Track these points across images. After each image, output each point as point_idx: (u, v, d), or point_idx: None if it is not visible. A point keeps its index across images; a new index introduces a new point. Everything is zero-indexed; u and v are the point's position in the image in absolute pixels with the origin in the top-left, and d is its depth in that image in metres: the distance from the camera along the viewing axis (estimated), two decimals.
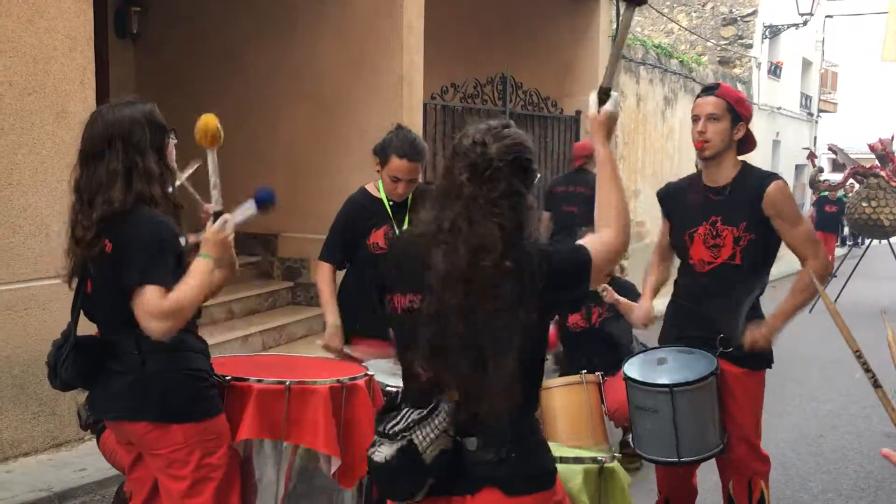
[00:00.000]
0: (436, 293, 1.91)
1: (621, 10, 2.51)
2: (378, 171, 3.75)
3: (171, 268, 2.40)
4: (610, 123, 2.21)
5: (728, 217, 3.24)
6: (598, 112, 2.22)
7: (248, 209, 2.58)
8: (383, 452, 1.94)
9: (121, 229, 2.40)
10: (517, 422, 1.99)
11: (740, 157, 3.37)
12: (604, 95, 2.23)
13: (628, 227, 2.10)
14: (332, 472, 2.82)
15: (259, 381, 2.76)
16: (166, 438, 2.47)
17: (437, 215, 1.97)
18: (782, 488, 4.71)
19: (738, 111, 3.28)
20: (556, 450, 2.72)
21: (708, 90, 3.35)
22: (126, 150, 2.43)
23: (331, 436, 2.75)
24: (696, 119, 3.31)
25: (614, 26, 11.38)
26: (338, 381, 2.85)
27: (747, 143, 3.33)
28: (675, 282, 3.49)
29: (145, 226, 2.40)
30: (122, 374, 2.50)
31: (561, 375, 4.65)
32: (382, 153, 3.70)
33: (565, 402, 3.94)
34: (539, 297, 1.93)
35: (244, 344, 6.81)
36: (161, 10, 8.68)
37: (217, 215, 2.54)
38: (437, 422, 1.92)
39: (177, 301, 2.35)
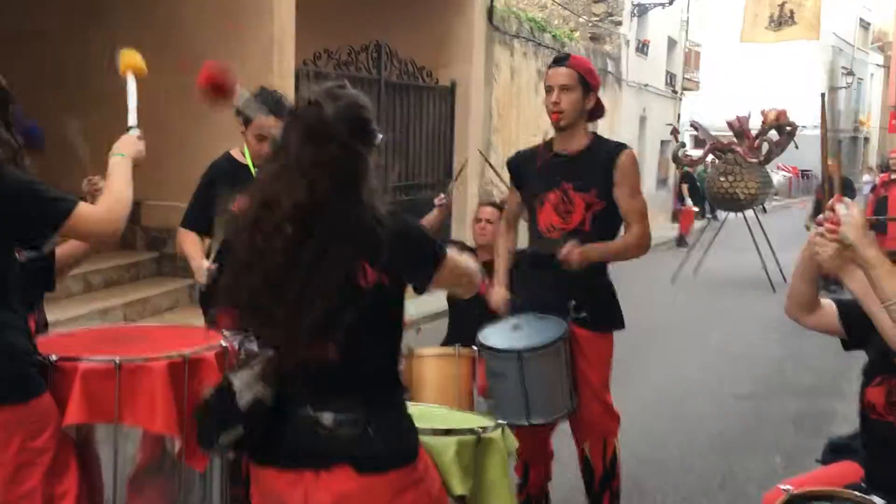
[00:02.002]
0: (231, 243, 1.95)
1: None
2: (242, 133, 3.61)
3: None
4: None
5: (580, 184, 3.34)
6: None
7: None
8: (208, 391, 1.97)
9: None
10: (375, 396, 1.97)
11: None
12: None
13: (479, 279, 2.18)
14: (177, 452, 2.67)
15: (85, 360, 2.56)
16: None
17: (260, 173, 1.98)
18: (643, 449, 4.91)
19: (588, 81, 3.37)
20: (432, 419, 2.68)
21: (559, 61, 3.41)
22: None
23: (170, 415, 2.58)
24: (549, 90, 3.37)
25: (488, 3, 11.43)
26: (179, 354, 2.67)
27: (597, 110, 3.45)
28: (526, 249, 3.56)
29: (17, 179, 2.32)
30: None
31: (445, 343, 4.64)
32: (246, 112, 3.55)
33: (435, 372, 3.94)
34: (378, 262, 1.90)
35: (104, 317, 6.50)
36: None
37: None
38: (254, 367, 1.93)
39: (115, 199, 2.45)
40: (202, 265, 3.52)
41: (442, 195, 4.54)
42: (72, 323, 6.05)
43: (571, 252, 3.25)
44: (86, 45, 7.63)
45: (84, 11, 7.61)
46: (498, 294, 3.59)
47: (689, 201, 16.94)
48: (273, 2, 7.24)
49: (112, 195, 2.47)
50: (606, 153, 3.36)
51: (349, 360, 1.91)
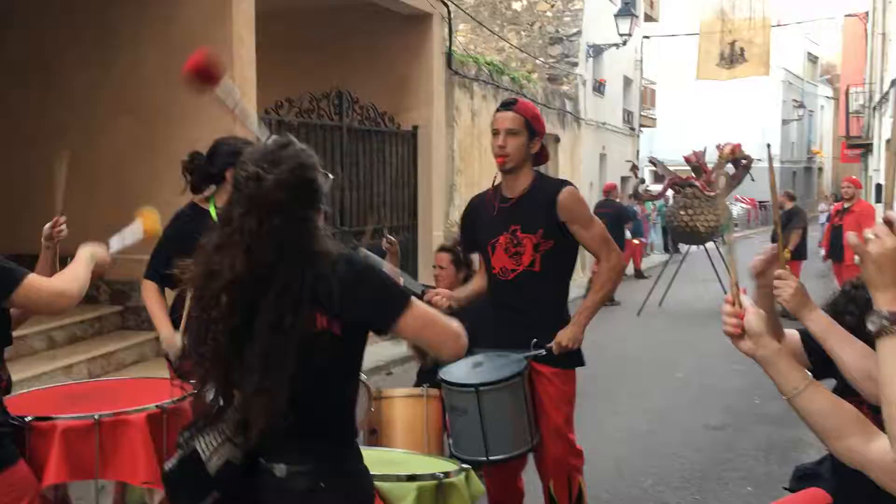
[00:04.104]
0: (189, 304, 1.96)
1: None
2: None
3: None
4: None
5: (526, 225, 3.40)
6: None
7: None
8: (171, 461, 1.89)
9: None
10: (326, 447, 1.94)
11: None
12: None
13: (462, 344, 2.06)
14: (158, 503, 2.66)
15: (63, 418, 2.54)
16: None
17: (205, 241, 1.96)
18: (616, 484, 4.92)
19: (534, 127, 3.44)
20: (396, 465, 2.67)
21: (506, 105, 3.49)
22: None
23: (150, 467, 2.57)
24: (495, 133, 3.44)
25: (447, 43, 11.60)
26: (157, 406, 2.67)
27: (542, 155, 3.52)
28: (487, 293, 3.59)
29: None
30: None
31: (418, 382, 4.63)
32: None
33: (404, 413, 3.94)
34: (330, 311, 1.88)
35: (68, 374, 6.37)
36: None
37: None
38: (220, 428, 1.88)
39: (74, 278, 2.47)
40: (174, 341, 3.41)
41: (390, 237, 4.59)
42: (36, 381, 5.93)
43: (563, 343, 3.33)
44: (42, 108, 7.63)
45: (34, 69, 7.59)
46: (446, 293, 3.53)
47: (628, 233, 17.14)
48: (233, 52, 7.28)
49: (71, 275, 2.48)
50: (547, 193, 3.41)
51: (299, 410, 1.87)
